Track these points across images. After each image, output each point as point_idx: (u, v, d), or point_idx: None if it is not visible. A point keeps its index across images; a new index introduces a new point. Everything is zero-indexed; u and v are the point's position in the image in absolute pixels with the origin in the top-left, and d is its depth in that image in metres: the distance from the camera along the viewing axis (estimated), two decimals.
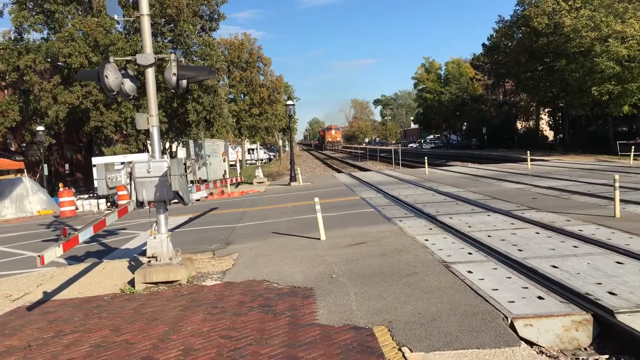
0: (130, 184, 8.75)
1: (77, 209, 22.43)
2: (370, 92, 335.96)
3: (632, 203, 13.47)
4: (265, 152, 76.26)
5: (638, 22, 36.48)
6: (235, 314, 6.90)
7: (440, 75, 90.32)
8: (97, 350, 6.04)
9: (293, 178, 29.49)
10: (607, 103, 38.98)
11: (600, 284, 6.82)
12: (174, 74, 8.85)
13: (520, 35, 52.95)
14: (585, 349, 5.58)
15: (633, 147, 31.47)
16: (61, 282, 9.61)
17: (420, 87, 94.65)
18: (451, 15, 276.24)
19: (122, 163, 9.59)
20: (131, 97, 9.59)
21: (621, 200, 12.39)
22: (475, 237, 10.26)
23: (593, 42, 37.86)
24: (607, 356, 5.32)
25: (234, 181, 30.61)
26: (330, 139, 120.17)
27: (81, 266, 10.66)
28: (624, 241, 9.19)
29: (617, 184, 11.85)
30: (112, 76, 8.73)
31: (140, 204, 8.82)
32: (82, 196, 25.69)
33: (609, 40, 36.42)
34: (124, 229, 15.91)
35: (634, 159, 30.58)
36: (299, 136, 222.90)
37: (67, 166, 38.02)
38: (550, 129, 68.91)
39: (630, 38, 35.92)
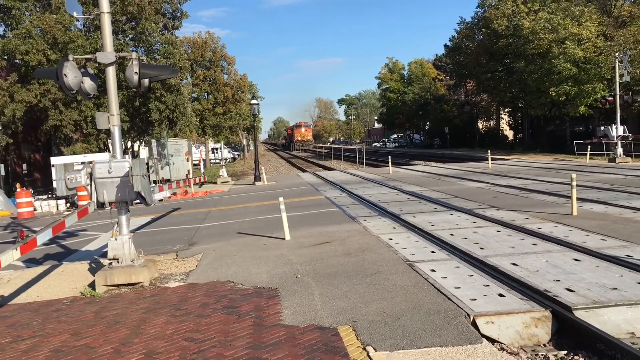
0: (91, 185, 8.57)
1: (35, 210, 21.83)
2: (335, 91, 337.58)
3: (589, 201, 13.85)
4: (229, 152, 75.77)
5: (594, 25, 37.56)
6: (199, 315, 6.84)
7: (404, 75, 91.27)
8: (57, 355, 5.90)
9: (257, 177, 29.38)
10: (564, 104, 39.99)
11: (559, 280, 7.00)
12: (136, 72, 8.71)
13: (481, 37, 53.92)
14: (544, 345, 5.72)
15: (589, 146, 32.41)
16: (19, 285, 9.35)
17: (384, 87, 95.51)
18: (415, 16, 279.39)
19: (83, 163, 9.42)
20: (91, 96, 9.39)
21: (578, 199, 12.73)
22: (438, 236, 10.40)
23: (551, 44, 38.82)
24: (565, 352, 5.46)
25: (198, 181, 30.31)
26: (299, 138, 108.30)
27: (40, 269, 10.39)
28: (581, 238, 9.45)
29: (574, 183, 12.18)
30: (71, 75, 8.54)
31: (101, 205, 8.65)
32: (40, 197, 25.04)
33: (566, 42, 37.39)
34: (85, 230, 15.58)
35: (590, 158, 31.49)
36: (263, 135, 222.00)
37: (24, 166, 36.98)
38: (510, 129, 70.34)
39: (586, 40, 36.95)
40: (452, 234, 10.58)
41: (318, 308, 6.73)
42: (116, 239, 8.79)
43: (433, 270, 7.98)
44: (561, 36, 38.09)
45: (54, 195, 23.81)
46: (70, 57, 8.74)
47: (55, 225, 8.55)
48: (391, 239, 10.57)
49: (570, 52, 36.67)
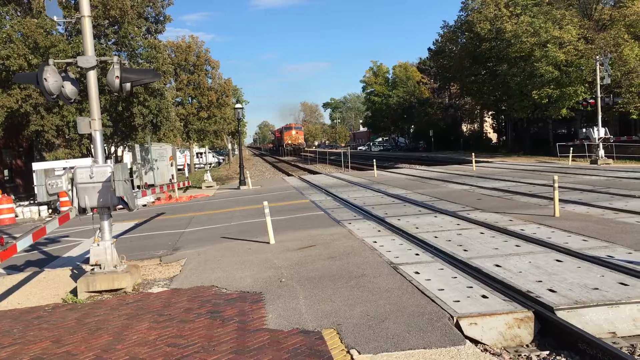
0: (72, 190, 8.49)
1: (16, 216, 21.59)
2: (320, 95, 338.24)
3: (571, 202, 13.99)
4: (214, 156, 75.53)
5: (575, 29, 38.02)
6: (183, 321, 6.79)
7: (388, 79, 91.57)
8: None
9: (242, 182, 29.29)
10: (546, 106, 40.41)
11: (541, 281, 7.05)
12: (117, 76, 8.65)
13: (464, 40, 54.29)
14: (527, 345, 5.76)
15: (571, 148, 32.75)
16: None
17: (368, 91, 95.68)
18: (399, 20, 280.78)
19: (65, 168, 9.31)
20: (72, 100, 9.31)
21: (560, 200, 12.86)
22: (423, 238, 10.44)
23: (533, 48, 39.25)
24: (547, 352, 5.51)
25: (182, 185, 30.15)
26: (290, 141, 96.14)
27: (20, 276, 10.24)
28: (563, 240, 9.53)
29: (556, 185, 12.30)
30: (51, 79, 8.46)
31: (82, 211, 8.57)
32: (22, 203, 24.76)
33: (548, 45, 37.82)
34: (67, 236, 15.42)
35: (572, 160, 31.83)
36: (248, 139, 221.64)
37: (6, 172, 36.53)
38: (494, 132, 70.87)
39: (568, 44, 37.39)
40: (436, 236, 10.62)
41: (302, 312, 6.71)
42: (98, 245, 8.71)
43: (417, 273, 8.00)
44: (543, 39, 38.54)
45: (36, 201, 23.55)
46: (51, 61, 8.66)
47: (36, 232, 8.44)
48: (376, 242, 10.58)
49: (552, 55, 37.10)
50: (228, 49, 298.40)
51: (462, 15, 54.51)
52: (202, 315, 6.95)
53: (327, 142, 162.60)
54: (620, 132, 39.93)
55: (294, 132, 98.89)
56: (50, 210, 22.68)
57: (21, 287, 9.43)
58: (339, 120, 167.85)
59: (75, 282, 8.87)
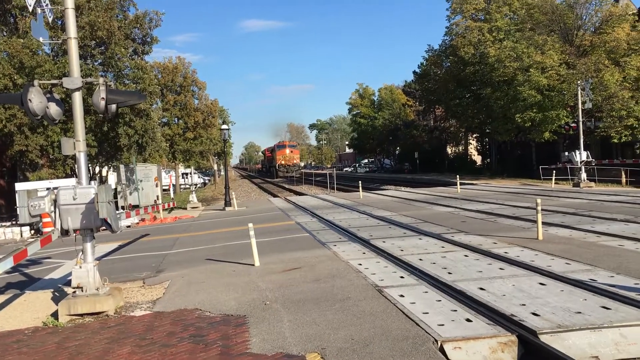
0: (55, 211, 8.41)
1: None
2: (306, 116, 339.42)
3: (554, 225, 14.11)
4: (199, 177, 75.14)
5: (556, 54, 38.73)
6: (165, 345, 6.71)
7: (374, 101, 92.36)
8: None
9: (228, 203, 29.21)
10: (529, 129, 40.94)
11: (525, 305, 7.09)
12: (103, 98, 8.64)
13: (449, 64, 55.06)
14: None
15: (554, 171, 33.12)
16: None
17: (354, 112, 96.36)
18: (385, 44, 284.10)
19: (48, 189, 9.24)
20: (57, 121, 9.28)
21: (544, 223, 12.97)
22: (407, 261, 10.45)
23: (516, 72, 39.90)
24: None
25: (167, 206, 29.97)
26: (283, 161, 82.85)
27: (0, 298, 10.08)
28: (546, 262, 9.60)
29: (539, 208, 12.41)
30: (36, 100, 8.43)
31: (65, 232, 8.48)
32: (3, 224, 24.42)
33: (530, 70, 38.47)
34: (49, 257, 15.22)
35: (555, 183, 32.17)
36: (234, 160, 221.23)
37: None
38: (478, 154, 71.53)
39: (550, 68, 38.06)
40: (421, 259, 10.64)
41: (286, 335, 6.67)
42: (81, 267, 8.61)
43: (402, 296, 8.00)
44: (525, 64, 39.21)
45: (18, 222, 23.26)
46: (36, 82, 8.63)
47: (17, 254, 8.34)
48: (361, 265, 10.57)
49: (535, 79, 37.73)
50: (215, 69, 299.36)
51: (446, 39, 55.42)
52: (185, 339, 6.88)
53: (313, 163, 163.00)
54: (601, 156, 40.49)
55: (288, 150, 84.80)
56: (32, 232, 22.40)
57: (1, 310, 9.28)
58: (325, 142, 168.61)
59: (57, 304, 8.74)
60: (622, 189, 28.20)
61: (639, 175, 31.43)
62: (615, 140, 38.05)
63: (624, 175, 32.60)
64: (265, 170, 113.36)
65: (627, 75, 37.12)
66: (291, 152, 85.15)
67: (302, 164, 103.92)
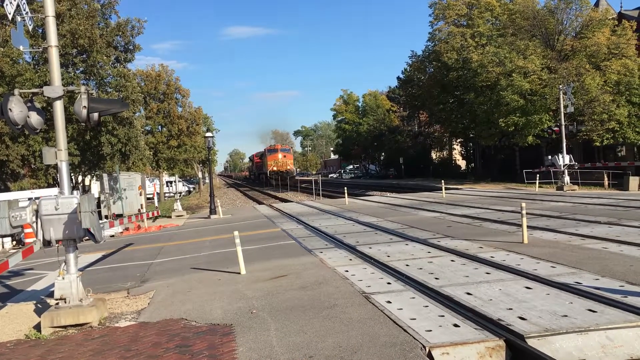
0: (37, 222, 8.27)
1: None
2: (291, 123, 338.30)
3: (539, 229, 14.19)
4: (184, 185, 74.65)
5: (538, 59, 39.17)
6: (151, 356, 6.61)
7: (359, 107, 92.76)
8: None
9: (213, 211, 29.06)
10: (513, 134, 41.31)
11: (511, 309, 7.09)
12: (84, 106, 8.53)
13: (432, 70, 55.42)
14: None
15: (538, 175, 33.41)
16: None
17: (339, 119, 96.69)
18: (368, 50, 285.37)
19: (30, 199, 9.09)
20: (38, 130, 9.14)
21: (528, 227, 13.03)
22: (394, 267, 10.43)
23: (499, 77, 40.26)
24: None
25: (151, 215, 29.71)
26: (275, 168, 72.18)
27: None
28: (532, 266, 9.63)
29: (524, 212, 12.48)
30: (16, 109, 8.30)
31: (47, 243, 8.34)
32: None
33: (513, 75, 38.84)
34: (31, 269, 14.98)
35: (539, 187, 32.43)
36: (219, 168, 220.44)
37: None
38: (462, 159, 72.02)
39: (532, 73, 38.47)
40: (407, 265, 10.63)
41: (274, 344, 6.60)
42: (63, 278, 8.47)
43: (389, 302, 7.97)
44: (508, 69, 39.59)
45: None
46: (16, 91, 8.51)
47: None
48: (347, 271, 10.53)
49: (517, 84, 38.09)
50: (199, 77, 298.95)
51: (429, 45, 55.78)
52: (171, 349, 6.79)
53: (298, 169, 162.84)
54: (584, 159, 40.98)
55: (280, 155, 73.80)
56: (14, 242, 22.07)
57: None
58: (310, 148, 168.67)
59: (39, 316, 8.59)
60: (604, 192, 28.53)
61: (621, 178, 31.82)
62: (598, 144, 38.55)
63: (606, 178, 33.02)
64: (253, 178, 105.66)
65: (607, 79, 37.65)
66: (284, 157, 74.13)
67: (298, 170, 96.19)
